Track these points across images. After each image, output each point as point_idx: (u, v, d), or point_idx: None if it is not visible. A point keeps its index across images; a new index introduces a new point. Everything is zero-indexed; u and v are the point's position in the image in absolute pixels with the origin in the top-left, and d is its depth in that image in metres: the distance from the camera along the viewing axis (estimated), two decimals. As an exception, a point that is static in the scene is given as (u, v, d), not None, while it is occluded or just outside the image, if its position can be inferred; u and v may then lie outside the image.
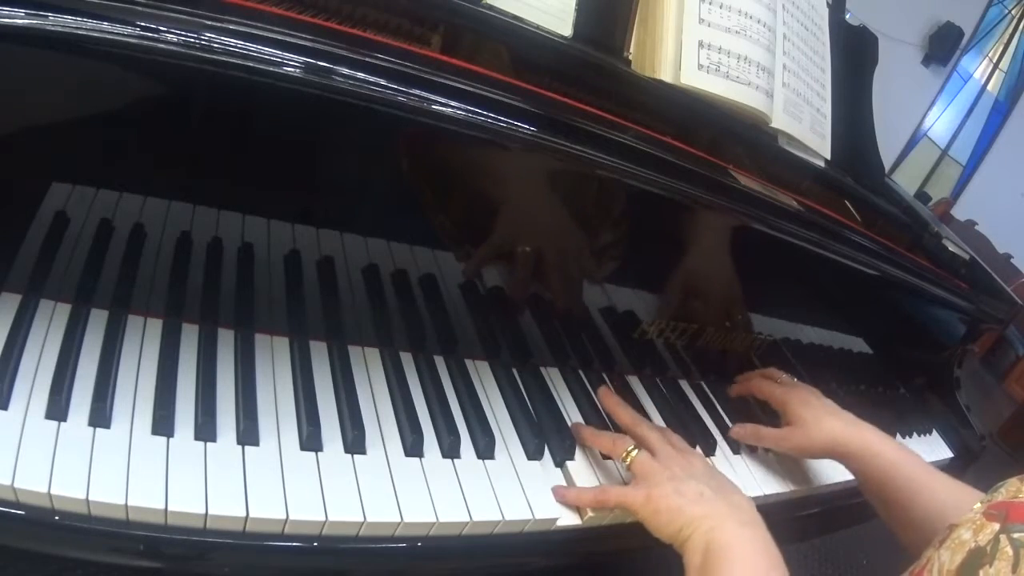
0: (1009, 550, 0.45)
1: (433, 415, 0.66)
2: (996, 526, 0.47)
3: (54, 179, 0.54)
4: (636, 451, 0.68)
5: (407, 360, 0.70)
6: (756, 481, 0.83)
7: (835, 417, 0.82)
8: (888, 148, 4.13)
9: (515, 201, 0.70)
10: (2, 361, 0.51)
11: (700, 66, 0.83)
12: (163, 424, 0.53)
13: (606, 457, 0.72)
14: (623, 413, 0.76)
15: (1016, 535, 0.46)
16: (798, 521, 0.87)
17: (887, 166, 1.41)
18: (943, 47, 4.77)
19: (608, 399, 0.77)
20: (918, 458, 0.78)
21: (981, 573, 0.46)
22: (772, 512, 0.83)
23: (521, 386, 0.75)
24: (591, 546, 0.68)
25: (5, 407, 0.50)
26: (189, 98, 0.54)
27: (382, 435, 0.62)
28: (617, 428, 0.75)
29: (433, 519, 0.58)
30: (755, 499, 0.81)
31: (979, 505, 0.51)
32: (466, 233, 0.70)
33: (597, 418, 0.77)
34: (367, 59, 0.54)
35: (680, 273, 0.83)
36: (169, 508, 0.49)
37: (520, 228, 0.72)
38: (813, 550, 1.89)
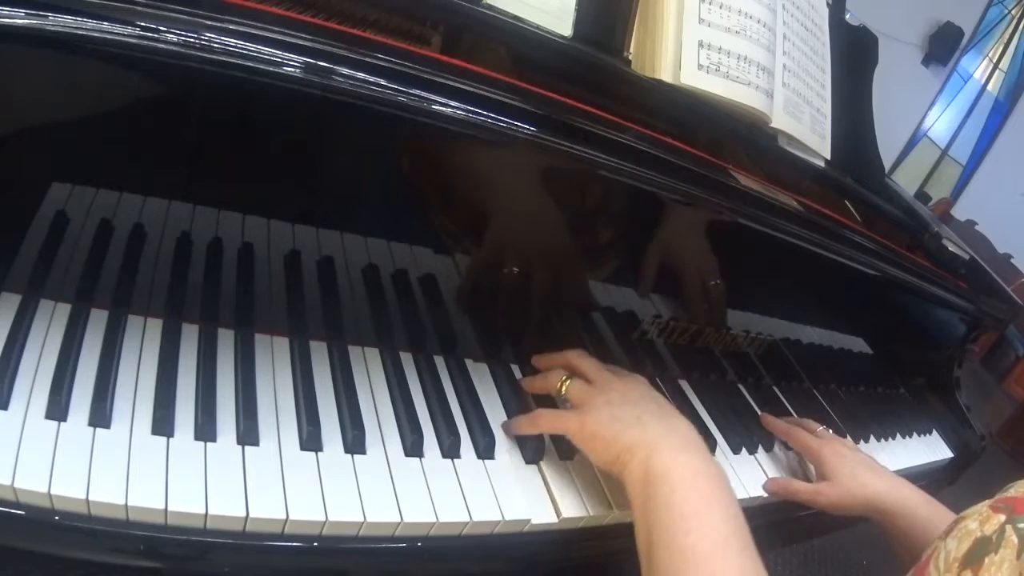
0: (1015, 539, 0.46)
1: (433, 415, 0.66)
2: (1002, 517, 0.48)
3: (54, 179, 0.54)
4: (570, 380, 0.66)
5: (407, 360, 0.70)
6: (757, 483, 0.83)
7: (873, 472, 0.80)
8: (888, 148, 4.13)
9: (514, 200, 0.70)
10: (2, 361, 0.51)
11: (700, 66, 0.83)
12: (163, 424, 0.53)
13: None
14: (551, 356, 0.72)
15: (1022, 525, 0.47)
16: (799, 521, 0.87)
17: (887, 166, 1.41)
18: (943, 47, 4.78)
19: (536, 364, 0.74)
20: (946, 509, 0.77)
21: (987, 560, 0.46)
22: (774, 513, 0.83)
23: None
24: (592, 546, 0.68)
25: (5, 407, 0.50)
26: (189, 98, 0.54)
27: (382, 435, 0.62)
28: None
29: (433, 519, 0.58)
30: (756, 500, 0.81)
31: (987, 502, 0.51)
32: (466, 233, 0.70)
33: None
34: (367, 59, 0.54)
35: (677, 272, 0.83)
36: (169, 508, 0.49)
37: (521, 228, 0.72)
38: (813, 550, 1.89)
